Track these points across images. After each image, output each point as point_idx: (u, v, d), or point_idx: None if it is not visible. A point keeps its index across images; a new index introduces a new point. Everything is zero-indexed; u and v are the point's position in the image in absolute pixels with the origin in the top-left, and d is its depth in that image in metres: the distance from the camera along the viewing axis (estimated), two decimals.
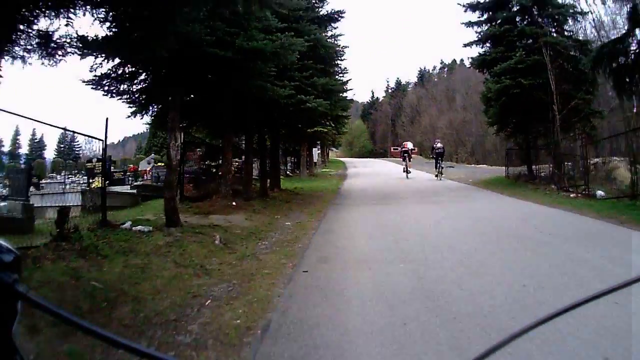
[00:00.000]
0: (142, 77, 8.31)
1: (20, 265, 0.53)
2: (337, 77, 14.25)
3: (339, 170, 30.00)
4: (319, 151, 33.54)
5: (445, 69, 63.61)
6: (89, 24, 7.16)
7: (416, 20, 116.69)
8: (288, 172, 23.97)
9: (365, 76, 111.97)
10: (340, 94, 14.17)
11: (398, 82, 69.92)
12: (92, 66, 6.89)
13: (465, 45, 15.44)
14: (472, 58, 15.51)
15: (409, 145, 21.38)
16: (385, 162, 39.53)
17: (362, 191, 14.79)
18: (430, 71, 67.11)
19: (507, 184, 15.12)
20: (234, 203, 9.71)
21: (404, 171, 19.93)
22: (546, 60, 12.66)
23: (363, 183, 18.36)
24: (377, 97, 72.21)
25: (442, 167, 18.19)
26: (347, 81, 15.44)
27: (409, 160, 20.10)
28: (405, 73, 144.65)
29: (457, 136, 41.97)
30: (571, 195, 11.94)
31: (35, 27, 4.95)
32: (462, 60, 61.93)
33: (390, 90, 69.89)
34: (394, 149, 52.66)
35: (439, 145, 18.54)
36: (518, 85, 12.92)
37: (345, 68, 14.94)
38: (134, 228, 6.02)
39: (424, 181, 17.93)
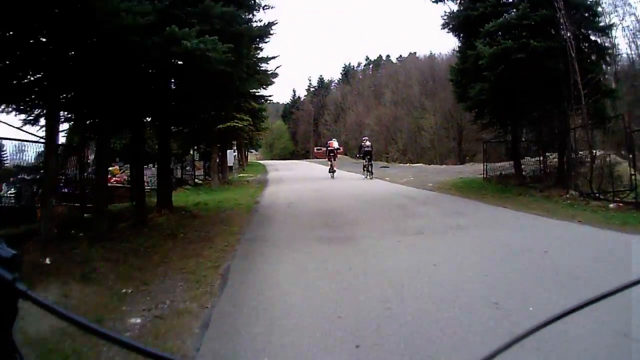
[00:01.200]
0: None
1: (21, 263, 0.51)
2: (255, 20, 7.89)
3: (259, 175, 24.75)
4: (235, 153, 27.94)
5: (371, 65, 60.81)
6: None
7: (338, 16, 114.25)
8: (197, 180, 18.32)
9: (286, 76, 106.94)
10: (258, 53, 8.58)
11: (321, 80, 65.93)
12: None
13: (436, 0, 11.19)
14: (447, 15, 11.13)
15: (335, 144, 19.91)
16: (309, 164, 35.17)
17: (289, 207, 9.76)
18: (355, 67, 63.78)
19: (494, 190, 11.17)
20: (47, 261, 5.00)
21: (329, 172, 18.57)
22: (560, 15, 8.82)
23: (289, 192, 13.25)
24: (299, 97, 67.94)
25: (372, 166, 17.21)
26: (271, 24, 8.13)
27: (334, 160, 18.90)
28: (328, 71, 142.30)
29: (388, 133, 38.84)
30: (610, 206, 8.26)
31: None
32: (388, 56, 60.78)
33: (312, 89, 65.94)
34: (317, 149, 49.11)
35: (367, 143, 17.48)
36: (523, 48, 8.89)
37: (271, 23, 8.12)
38: None
39: (367, 186, 14.74)
